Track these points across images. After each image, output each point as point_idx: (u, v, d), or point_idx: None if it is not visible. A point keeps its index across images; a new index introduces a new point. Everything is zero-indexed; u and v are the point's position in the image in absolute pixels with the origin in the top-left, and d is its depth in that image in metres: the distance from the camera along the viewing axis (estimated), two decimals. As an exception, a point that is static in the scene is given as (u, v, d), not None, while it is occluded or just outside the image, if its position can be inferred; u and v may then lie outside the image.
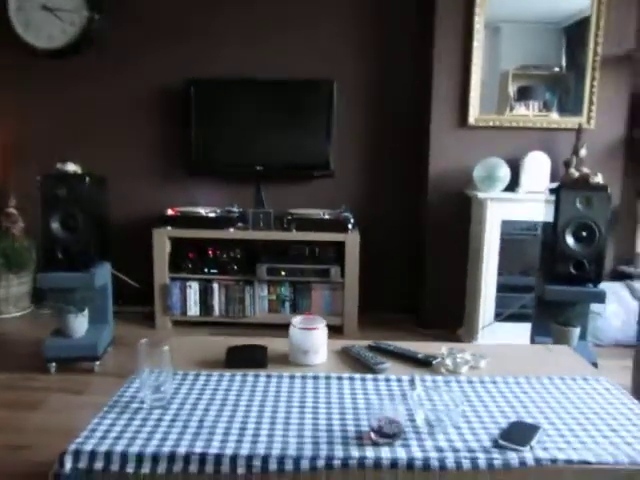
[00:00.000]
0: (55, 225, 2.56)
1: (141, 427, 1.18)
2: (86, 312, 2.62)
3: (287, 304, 3.25)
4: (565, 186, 2.45)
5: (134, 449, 1.09)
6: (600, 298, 2.45)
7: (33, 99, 3.50)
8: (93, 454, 1.08)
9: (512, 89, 3.21)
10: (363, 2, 3.35)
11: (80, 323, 2.60)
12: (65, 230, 2.58)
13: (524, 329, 2.73)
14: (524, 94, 3.21)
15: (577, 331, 2.45)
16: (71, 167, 2.65)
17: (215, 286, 3.22)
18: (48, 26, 3.37)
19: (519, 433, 1.16)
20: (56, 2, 3.35)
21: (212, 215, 3.24)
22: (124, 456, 1.07)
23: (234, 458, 1.07)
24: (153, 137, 3.51)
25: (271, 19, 3.37)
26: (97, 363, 2.62)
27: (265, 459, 1.07)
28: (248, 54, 3.39)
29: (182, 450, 1.08)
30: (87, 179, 2.58)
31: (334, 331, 1.63)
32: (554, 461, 1.08)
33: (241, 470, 1.06)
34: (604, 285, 2.52)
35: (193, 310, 3.24)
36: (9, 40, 3.35)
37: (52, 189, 2.54)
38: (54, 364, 2.59)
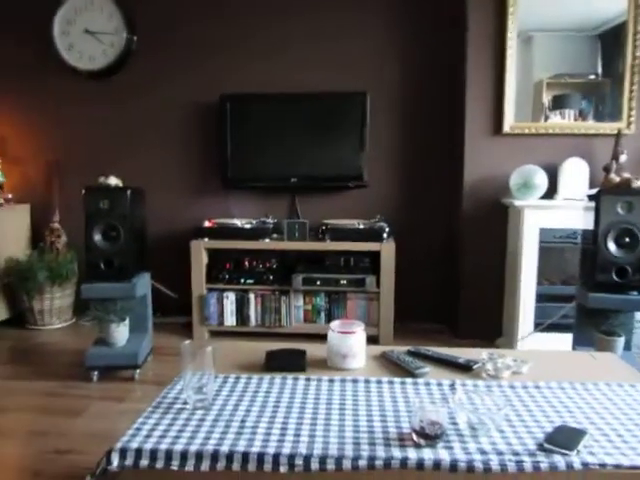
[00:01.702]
0: (97, 237, 2.64)
1: (184, 426, 1.20)
2: (127, 321, 2.69)
3: (322, 314, 3.25)
4: (605, 191, 2.40)
5: (178, 447, 1.10)
6: (645, 306, 2.38)
7: (75, 117, 3.65)
8: (139, 452, 1.10)
9: (547, 98, 3.17)
10: (395, 14, 3.38)
11: (121, 332, 2.67)
12: (107, 242, 2.66)
13: (565, 339, 2.66)
14: (559, 103, 3.17)
15: (622, 341, 2.38)
16: (113, 181, 2.74)
17: (251, 296, 3.25)
18: (90, 48, 3.52)
19: (565, 437, 1.13)
20: (98, 26, 3.50)
21: (248, 226, 3.29)
22: (169, 454, 1.09)
23: (276, 457, 1.07)
24: (189, 151, 3.60)
25: (303, 32, 3.44)
26: (137, 371, 2.67)
27: (307, 458, 1.07)
28: (281, 68, 3.46)
29: (225, 448, 1.09)
30: (128, 192, 2.66)
31: (370, 341, 1.63)
32: (603, 465, 1.05)
33: (283, 469, 1.06)
34: (649, 293, 2.45)
35: (230, 320, 3.28)
36: (53, 62, 3.52)
37: (95, 202, 2.63)
38: (96, 372, 2.65)
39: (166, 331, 3.36)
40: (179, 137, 3.60)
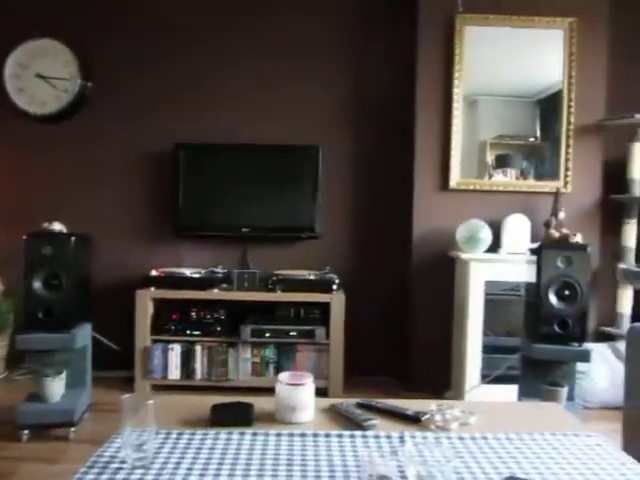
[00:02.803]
0: (38, 284, 2.53)
1: (121, 487, 1.12)
2: (64, 375, 2.55)
3: (271, 367, 3.19)
4: (546, 246, 2.51)
5: (113, 509, 1.03)
6: (586, 357, 2.46)
7: (22, 160, 3.55)
8: (69, 515, 1.02)
9: (490, 158, 3.34)
10: (348, 68, 3.52)
11: (57, 387, 2.52)
12: (48, 290, 2.55)
13: (511, 391, 2.70)
14: (501, 162, 3.34)
15: (565, 391, 2.44)
16: (57, 227, 2.66)
17: (198, 348, 3.16)
18: (41, 93, 3.48)
19: (513, 489, 1.12)
20: (51, 71, 3.47)
21: (196, 276, 3.23)
22: (102, 517, 1.02)
23: (219, 518, 1.01)
24: (140, 199, 3.55)
25: (256, 81, 3.53)
26: (73, 429, 2.51)
27: (251, 518, 1.02)
28: (234, 117, 3.52)
29: (164, 510, 1.03)
30: (72, 238, 2.58)
31: (320, 394, 1.59)
32: (550, 517, 1.04)
33: (226, 531, 1.00)
34: (589, 346, 2.53)
35: (174, 374, 3.16)
36: (3, 105, 3.44)
37: (37, 248, 2.53)
38: (27, 431, 2.48)
39: (106, 386, 3.19)
40: (130, 184, 3.55)
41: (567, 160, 3.28)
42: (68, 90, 3.47)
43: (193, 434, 1.39)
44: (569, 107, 3.28)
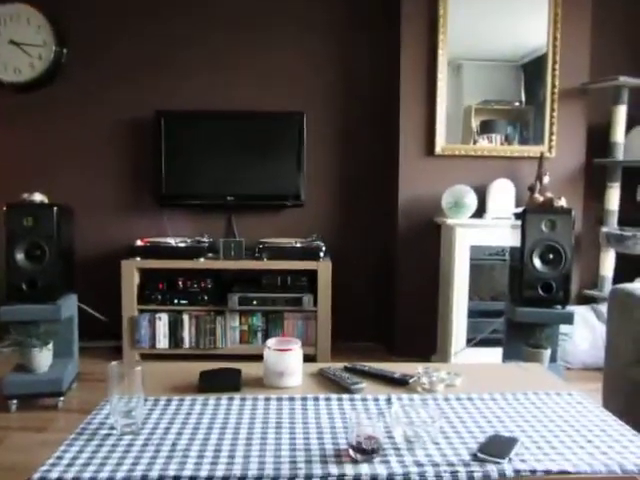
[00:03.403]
0: (20, 256, 2.50)
1: (111, 453, 1.13)
2: (51, 346, 2.53)
3: (259, 334, 3.21)
4: (530, 210, 2.53)
5: (103, 475, 1.04)
6: (569, 319, 2.50)
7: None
8: (60, 482, 1.03)
9: (475, 123, 3.32)
10: (332, 35, 3.45)
11: (44, 357, 2.51)
12: (30, 261, 2.51)
13: (496, 354, 2.75)
14: (486, 128, 3.33)
15: (548, 353, 2.49)
16: (38, 197, 2.61)
17: (185, 317, 3.16)
18: (15, 60, 3.36)
19: (497, 446, 1.15)
20: (24, 37, 3.35)
21: (182, 245, 3.21)
22: (93, 482, 1.02)
23: (209, 480, 1.03)
24: (123, 168, 3.49)
25: (239, 47, 3.44)
26: (61, 399, 2.52)
27: (241, 480, 1.03)
28: (217, 85, 3.44)
29: (155, 474, 1.04)
30: (55, 209, 2.54)
31: (308, 360, 1.61)
32: (533, 472, 1.07)
33: (216, 492, 1.02)
34: (571, 308, 2.58)
35: (162, 343, 3.16)
36: (-25, 72, 3.33)
37: (18, 219, 2.48)
38: (15, 401, 2.48)
39: (94, 356, 3.19)
40: (111, 153, 3.48)
41: (552, 124, 3.27)
42: (42, 57, 3.36)
43: (182, 400, 1.40)
44: (553, 70, 3.25)
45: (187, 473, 1.04)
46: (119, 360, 1.30)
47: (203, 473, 1.04)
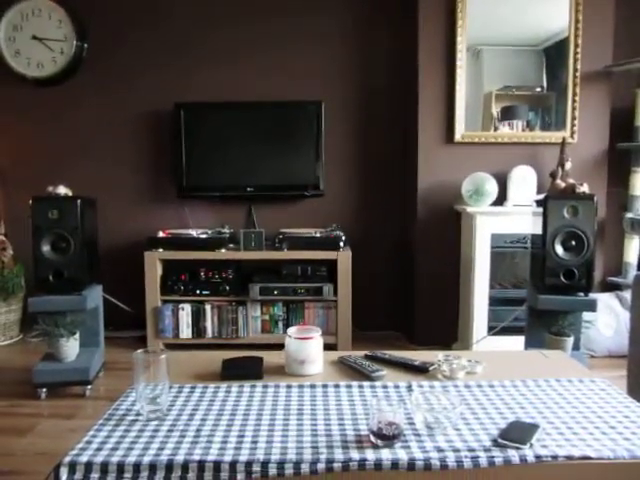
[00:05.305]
0: (46, 248, 2.55)
1: (138, 438, 1.16)
2: (77, 336, 2.60)
3: (280, 324, 3.23)
4: (552, 196, 2.49)
5: (131, 459, 1.07)
6: (591, 306, 2.47)
7: (23, 125, 3.53)
8: (89, 465, 1.06)
9: (495, 110, 3.28)
10: (350, 23, 3.43)
11: (71, 347, 2.57)
12: (56, 253, 2.57)
13: (518, 342, 2.73)
14: (507, 114, 3.28)
15: (570, 341, 2.46)
16: (62, 190, 2.66)
17: (207, 307, 3.20)
18: (38, 55, 3.42)
19: (518, 432, 1.15)
20: (46, 32, 3.40)
21: (203, 236, 3.25)
22: (121, 466, 1.05)
23: (233, 464, 1.05)
24: (143, 161, 3.54)
25: (257, 38, 3.44)
26: (89, 387, 2.58)
27: (265, 464, 1.05)
28: (235, 76, 3.46)
29: (180, 458, 1.06)
30: (78, 201, 2.58)
31: (328, 349, 1.62)
32: (555, 457, 1.07)
33: (240, 476, 1.04)
34: (595, 296, 2.55)
35: (185, 333, 3.21)
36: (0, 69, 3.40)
37: (43, 212, 2.54)
38: (44, 390, 2.55)
39: (119, 345, 3.26)
40: (132, 146, 3.53)
41: (574, 109, 3.21)
42: (64, 51, 3.41)
43: (205, 387, 1.43)
44: (575, 54, 3.19)
45: (211, 458, 1.06)
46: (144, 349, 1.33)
47: (227, 458, 1.07)
